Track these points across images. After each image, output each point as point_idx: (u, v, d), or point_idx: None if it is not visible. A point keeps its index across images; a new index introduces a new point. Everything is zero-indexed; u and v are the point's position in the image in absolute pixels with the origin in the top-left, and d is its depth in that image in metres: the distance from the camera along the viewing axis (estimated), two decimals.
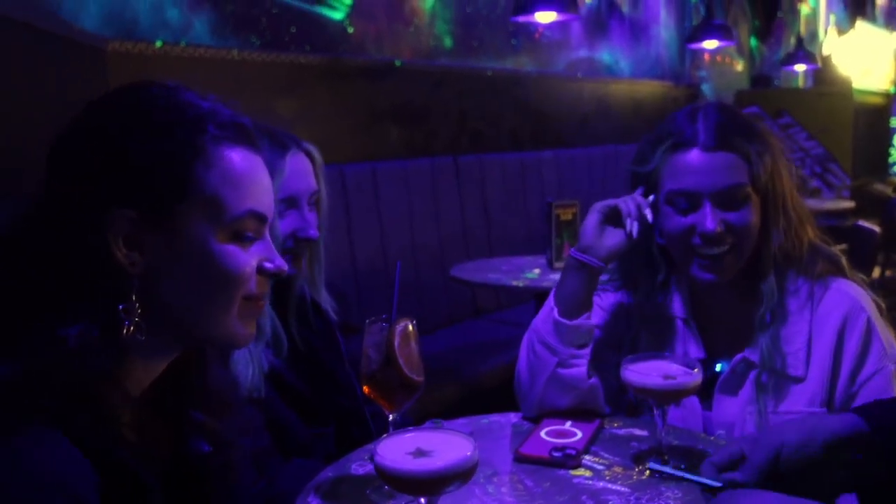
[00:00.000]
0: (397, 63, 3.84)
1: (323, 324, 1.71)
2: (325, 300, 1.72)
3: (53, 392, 0.78)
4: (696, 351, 1.52)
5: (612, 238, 1.49)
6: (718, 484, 1.03)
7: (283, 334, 1.60)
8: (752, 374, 1.45)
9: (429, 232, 3.80)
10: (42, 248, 0.84)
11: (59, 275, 0.83)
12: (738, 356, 1.46)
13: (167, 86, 0.90)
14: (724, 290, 1.49)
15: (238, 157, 0.89)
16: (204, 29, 3.11)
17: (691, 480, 1.13)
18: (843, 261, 1.49)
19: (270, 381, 1.54)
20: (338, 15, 3.67)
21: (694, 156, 1.42)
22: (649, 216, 1.48)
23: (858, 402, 1.38)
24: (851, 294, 1.44)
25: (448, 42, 4.23)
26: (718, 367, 1.49)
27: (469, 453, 0.93)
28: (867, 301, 1.44)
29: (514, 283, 2.94)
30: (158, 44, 2.84)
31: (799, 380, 1.42)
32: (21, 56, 1.90)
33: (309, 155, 1.62)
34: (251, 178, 0.91)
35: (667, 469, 1.20)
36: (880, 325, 1.43)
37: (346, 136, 3.56)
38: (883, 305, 1.47)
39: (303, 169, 1.59)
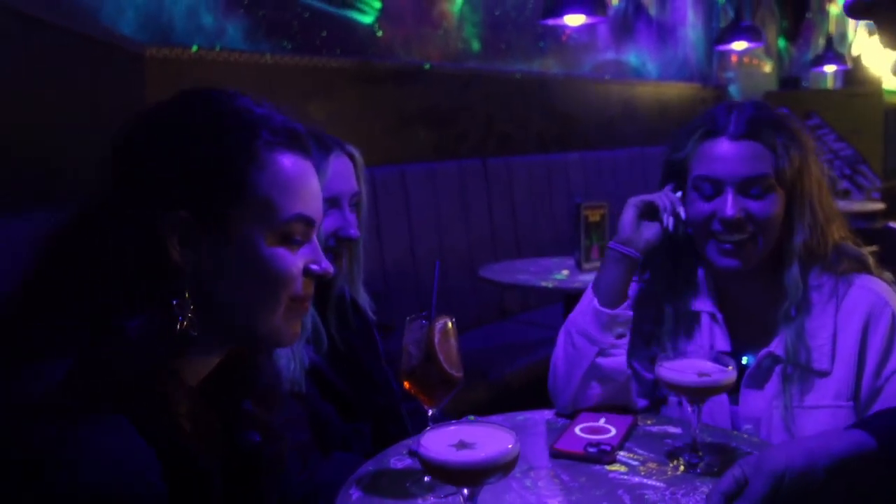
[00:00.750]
0: (426, 66, 3.87)
1: (361, 323, 1.74)
2: (364, 299, 1.76)
3: (116, 381, 0.82)
4: (722, 344, 1.55)
5: (649, 231, 1.55)
6: None
7: (324, 332, 1.64)
8: (778, 369, 1.47)
9: (457, 234, 3.83)
10: (102, 244, 0.88)
11: (118, 270, 0.87)
12: (765, 350, 1.49)
13: (225, 91, 0.94)
14: (750, 284, 1.52)
15: (289, 163, 0.93)
16: (237, 34, 3.17)
17: None
18: (870, 260, 1.51)
19: (310, 376, 1.58)
20: (367, 19, 3.71)
21: (721, 143, 1.48)
22: (682, 213, 1.53)
23: (884, 395, 1.40)
24: (876, 290, 1.46)
25: (476, 45, 4.26)
26: (745, 361, 1.52)
27: (510, 445, 0.96)
28: (892, 297, 1.46)
29: (544, 284, 2.96)
30: (194, 49, 2.90)
31: (824, 374, 1.44)
32: (61, 60, 1.96)
33: (351, 157, 1.66)
34: (301, 182, 0.94)
35: None
36: None
37: (376, 138, 3.60)
38: None
39: (345, 170, 1.63)
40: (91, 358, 0.83)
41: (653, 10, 5.70)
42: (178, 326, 0.88)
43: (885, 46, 0.71)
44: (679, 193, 1.56)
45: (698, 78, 6.32)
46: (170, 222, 0.88)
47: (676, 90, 5.91)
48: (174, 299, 0.88)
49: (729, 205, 1.45)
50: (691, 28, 6.21)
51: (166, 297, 0.88)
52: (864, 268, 1.50)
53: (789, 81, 7.09)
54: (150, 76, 2.70)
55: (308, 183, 0.95)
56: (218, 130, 0.90)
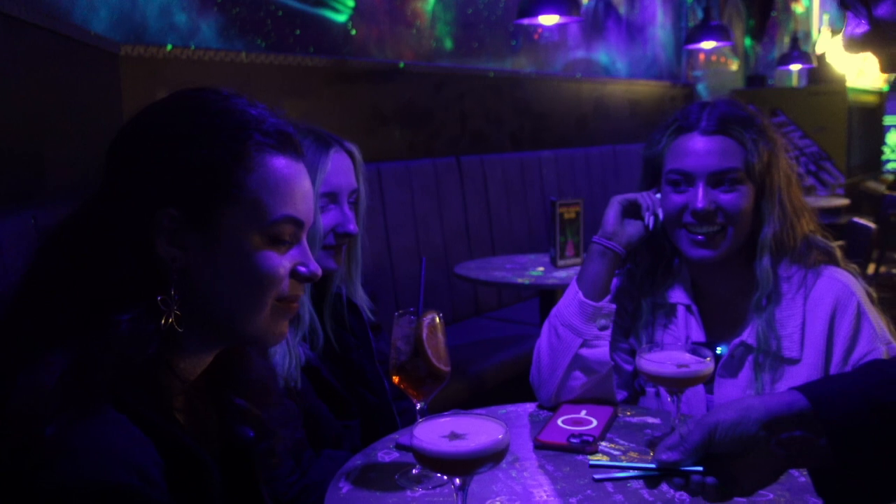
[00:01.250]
0: (401, 65, 3.89)
1: (356, 322, 1.75)
2: (362, 298, 1.77)
3: (110, 374, 0.83)
4: (697, 335, 1.61)
5: (631, 228, 1.61)
6: (653, 465, 0.99)
7: (320, 329, 1.65)
8: (751, 358, 1.53)
9: (432, 231, 3.86)
10: (94, 239, 0.89)
11: (109, 265, 0.88)
12: (737, 340, 1.54)
13: (220, 92, 0.95)
14: (722, 276, 1.58)
15: (280, 164, 0.94)
16: (211, 32, 3.16)
17: (629, 470, 1.07)
18: (838, 252, 1.57)
19: (305, 373, 1.59)
20: (341, 17, 3.72)
21: (693, 138, 1.55)
22: (661, 213, 1.59)
23: None
24: (843, 280, 1.52)
25: (449, 44, 4.29)
26: (719, 351, 1.57)
27: (501, 436, 0.99)
28: (858, 287, 1.52)
29: (520, 280, 2.99)
30: (169, 47, 2.89)
31: (794, 361, 1.50)
32: (37, 59, 1.95)
33: (351, 154, 1.68)
34: (291, 184, 0.94)
35: (609, 465, 1.24)
36: (870, 310, 1.51)
37: (351, 137, 3.57)
38: (874, 294, 1.55)
39: (344, 166, 1.64)
40: (85, 353, 0.83)
41: (623, 10, 5.77)
42: (164, 322, 0.89)
43: (882, 72, 0.76)
44: (659, 196, 1.61)
45: (667, 76, 6.41)
46: (159, 219, 0.89)
47: (646, 88, 5.99)
48: (159, 296, 0.89)
49: (700, 197, 1.51)
50: (660, 27, 6.29)
51: (153, 293, 0.89)
52: (831, 259, 1.56)
53: (756, 79, 7.21)
54: (125, 75, 2.69)
55: (298, 185, 0.96)
56: (209, 131, 0.91)
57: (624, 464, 1.16)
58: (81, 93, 2.28)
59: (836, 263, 1.56)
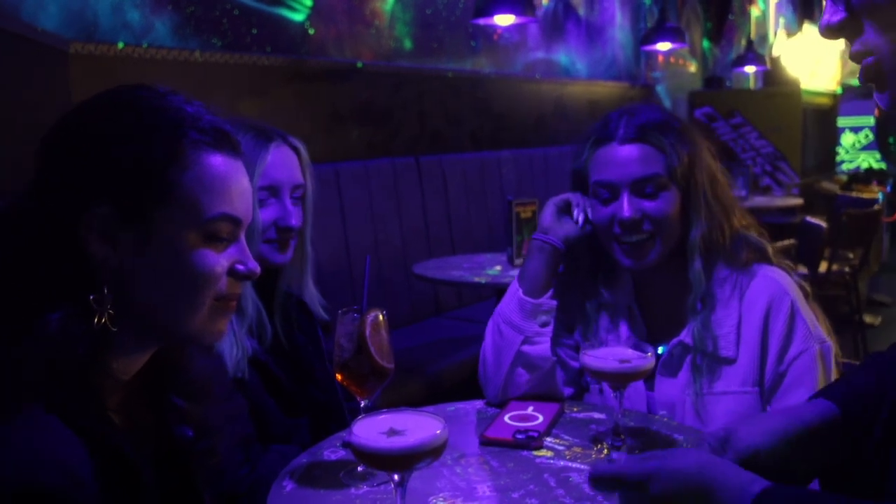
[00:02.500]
0: (359, 65, 3.88)
1: (305, 320, 1.74)
2: (312, 295, 1.76)
3: (40, 375, 0.82)
4: (639, 334, 1.63)
5: (567, 225, 1.63)
6: None
7: (268, 324, 1.64)
8: (689, 357, 1.55)
9: (391, 231, 3.86)
10: (24, 236, 0.88)
11: (39, 263, 0.87)
12: (675, 339, 1.57)
13: (155, 89, 0.95)
14: (660, 278, 1.60)
15: (216, 162, 0.93)
16: (165, 30, 3.13)
17: None
18: (769, 248, 1.60)
19: (253, 367, 1.58)
20: (298, 16, 3.70)
21: (612, 148, 1.56)
22: (590, 212, 1.61)
23: (787, 380, 1.48)
24: (776, 279, 1.54)
25: (408, 44, 4.29)
26: (660, 350, 1.59)
27: (439, 431, 0.99)
28: (791, 285, 1.55)
29: (476, 279, 3.01)
30: (120, 45, 2.86)
31: (730, 361, 1.53)
32: None
33: (295, 150, 1.67)
34: (228, 182, 0.94)
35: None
36: (804, 308, 1.53)
37: (309, 136, 3.55)
38: (808, 290, 1.58)
39: (286, 160, 1.63)
40: (13, 353, 0.82)
41: (582, 11, 5.83)
42: (96, 321, 0.88)
43: (853, 60, 0.77)
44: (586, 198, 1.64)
45: (626, 77, 6.48)
46: (90, 218, 0.88)
47: (606, 89, 6.05)
48: (91, 294, 0.88)
49: (625, 206, 1.53)
50: (619, 28, 6.36)
51: (84, 292, 0.88)
52: (763, 257, 1.58)
53: (713, 81, 7.32)
54: (75, 73, 2.65)
55: (235, 182, 0.95)
56: (143, 128, 0.90)
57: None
58: (28, 91, 2.24)
59: (768, 261, 1.58)
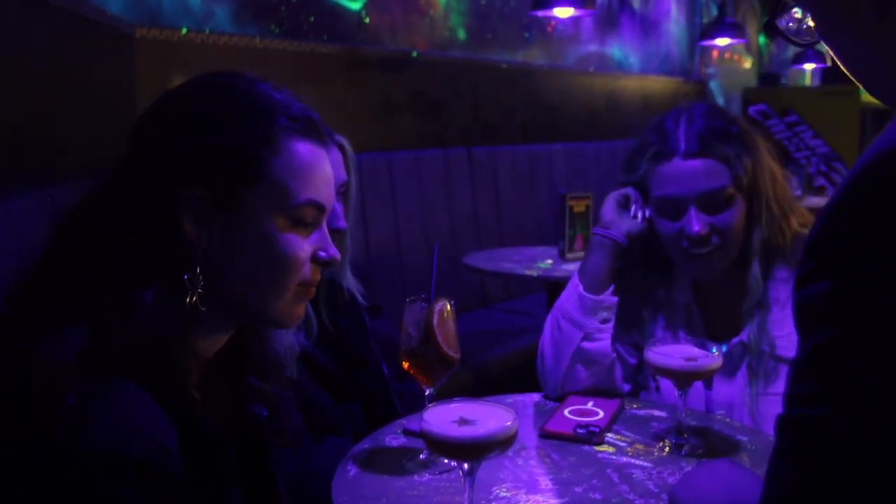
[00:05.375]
0: (414, 54, 3.89)
1: (350, 306, 1.77)
2: (352, 283, 1.79)
3: (131, 350, 0.84)
4: (698, 333, 1.61)
5: (628, 220, 1.61)
6: None
7: (314, 317, 1.66)
8: (748, 357, 1.53)
9: (441, 221, 3.86)
10: (119, 217, 0.90)
11: (133, 243, 0.89)
12: (735, 340, 1.55)
13: (246, 76, 0.96)
14: (721, 280, 1.58)
15: (304, 149, 0.95)
16: (225, 16, 3.16)
17: None
18: None
19: (301, 361, 1.60)
20: (355, 5, 3.72)
21: (676, 164, 1.52)
22: (647, 211, 1.59)
23: None
24: None
25: (462, 34, 4.28)
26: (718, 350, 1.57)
27: (510, 423, 1.00)
28: None
29: (528, 272, 3.00)
30: (184, 31, 2.90)
31: (791, 361, 1.50)
32: (52, 39, 1.95)
33: (341, 147, 1.68)
34: (315, 169, 0.96)
35: None
36: None
37: (363, 125, 3.61)
38: None
39: (333, 161, 1.64)
40: (106, 327, 0.85)
41: (637, 4, 5.75)
42: (188, 300, 0.90)
43: (818, 32, 0.74)
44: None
45: (680, 72, 6.38)
46: (186, 199, 0.90)
47: (659, 84, 5.97)
48: (185, 274, 0.90)
49: (693, 222, 1.50)
50: (674, 23, 6.26)
51: (178, 271, 0.90)
52: None
53: (768, 78, 7.18)
54: (140, 57, 2.69)
55: (321, 169, 0.97)
56: (238, 114, 0.92)
57: None
58: (96, 74, 2.28)
59: None
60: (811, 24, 0.77)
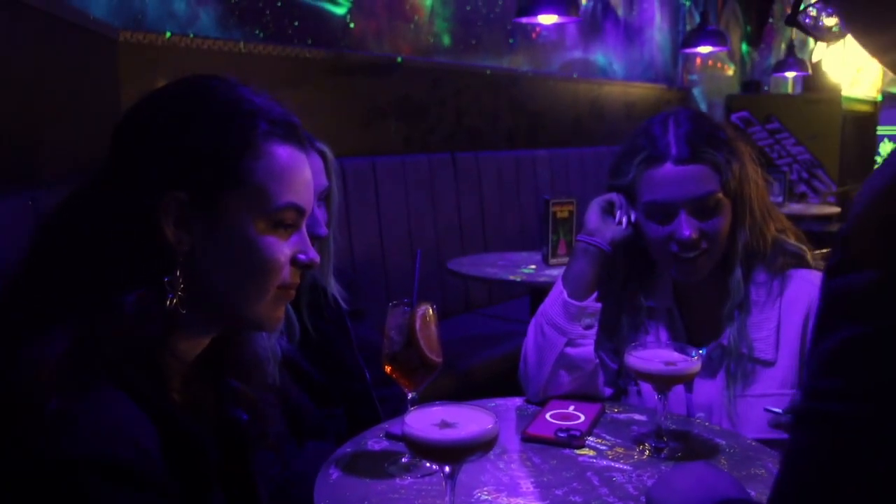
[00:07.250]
0: (399, 59, 3.90)
1: (333, 311, 1.77)
2: (335, 288, 1.79)
3: (114, 353, 0.84)
4: (678, 337, 1.63)
5: (612, 227, 1.62)
6: None
7: (296, 321, 1.66)
8: (728, 360, 1.55)
9: (425, 226, 3.87)
10: (101, 220, 0.90)
11: (115, 246, 0.90)
12: (714, 343, 1.57)
13: (226, 80, 0.97)
14: (701, 285, 1.60)
15: (285, 153, 0.96)
16: (210, 21, 3.16)
17: None
18: (808, 254, 1.59)
19: (284, 366, 1.60)
20: (340, 10, 3.72)
21: (667, 169, 1.53)
22: (633, 216, 1.60)
23: None
24: (815, 283, 1.54)
25: (447, 40, 4.29)
26: (700, 352, 1.59)
27: (491, 426, 1.00)
28: None
29: (512, 277, 3.01)
30: (168, 35, 2.89)
31: (769, 364, 1.53)
32: (35, 42, 1.94)
33: (321, 154, 1.69)
34: (295, 173, 0.97)
35: None
36: None
37: (347, 130, 3.62)
38: None
39: (314, 168, 1.65)
40: (88, 331, 0.85)
41: (621, 11, 5.79)
42: (168, 303, 0.90)
43: (848, 32, 0.73)
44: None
45: (663, 79, 6.43)
46: (167, 202, 0.90)
47: (642, 91, 6.01)
48: (165, 277, 0.90)
49: (684, 227, 1.51)
50: (658, 30, 6.31)
51: (159, 274, 0.90)
52: (801, 262, 1.58)
53: (751, 85, 7.24)
54: (123, 61, 2.69)
55: (301, 173, 0.98)
56: (219, 118, 0.92)
57: None
58: (79, 78, 2.28)
59: (807, 266, 1.58)
60: (828, 22, 0.77)
